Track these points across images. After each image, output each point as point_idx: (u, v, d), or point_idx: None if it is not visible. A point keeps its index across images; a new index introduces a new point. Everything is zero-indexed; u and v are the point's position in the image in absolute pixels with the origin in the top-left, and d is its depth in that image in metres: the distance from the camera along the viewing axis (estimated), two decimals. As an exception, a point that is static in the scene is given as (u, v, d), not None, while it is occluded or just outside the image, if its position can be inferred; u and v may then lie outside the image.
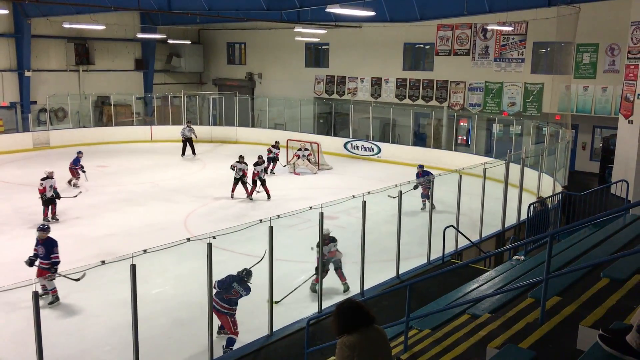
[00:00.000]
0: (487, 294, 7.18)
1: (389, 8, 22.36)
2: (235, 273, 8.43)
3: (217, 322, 8.15)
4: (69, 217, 14.76)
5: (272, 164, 20.99)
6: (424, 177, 15.70)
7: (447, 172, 14.48)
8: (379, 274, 10.51)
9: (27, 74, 25.95)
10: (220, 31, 32.09)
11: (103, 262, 5.97)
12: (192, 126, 24.76)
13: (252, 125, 28.88)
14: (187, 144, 24.24)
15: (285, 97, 28.52)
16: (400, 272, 10.53)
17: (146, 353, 6.69)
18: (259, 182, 17.42)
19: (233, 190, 17.30)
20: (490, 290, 7.51)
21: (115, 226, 14.16)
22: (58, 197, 14.80)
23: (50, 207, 14.59)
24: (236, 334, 8.11)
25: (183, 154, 24.24)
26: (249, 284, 8.34)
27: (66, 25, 22.56)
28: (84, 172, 18.32)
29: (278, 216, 8.33)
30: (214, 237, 7.10)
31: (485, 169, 12.29)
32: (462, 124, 25.36)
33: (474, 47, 23.55)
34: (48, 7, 22.59)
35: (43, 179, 14.64)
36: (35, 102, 26.84)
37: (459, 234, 11.83)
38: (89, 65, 28.77)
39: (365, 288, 9.71)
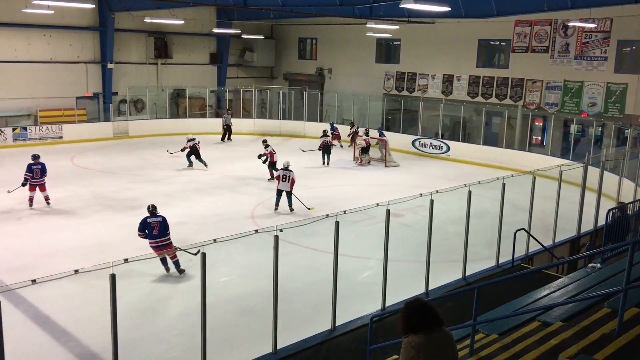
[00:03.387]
0: (560, 301, 6.90)
1: (464, 3, 21.83)
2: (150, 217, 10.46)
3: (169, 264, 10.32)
4: (143, 204, 15.32)
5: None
6: None
7: (519, 173, 14.02)
8: (444, 274, 10.33)
9: (109, 66, 27.22)
10: (292, 26, 32.43)
11: (177, 249, 6.16)
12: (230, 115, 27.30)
13: (321, 120, 29.01)
14: (228, 130, 26.66)
15: (354, 93, 28.48)
16: (466, 274, 10.30)
17: (212, 339, 6.87)
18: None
19: (271, 175, 17.81)
20: (562, 298, 7.21)
21: (186, 215, 14.62)
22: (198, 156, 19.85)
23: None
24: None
25: (223, 139, 26.52)
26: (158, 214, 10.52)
27: (147, 20, 23.46)
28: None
29: (344, 212, 8.34)
30: (280, 230, 7.19)
31: (561, 171, 11.80)
32: (537, 123, 24.45)
33: (553, 44, 22.62)
34: (131, 1, 23.58)
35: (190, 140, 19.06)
36: (116, 93, 28.13)
37: (530, 237, 11.43)
38: (167, 59, 29.85)
39: (429, 288, 9.57)
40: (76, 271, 5.83)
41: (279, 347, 7.57)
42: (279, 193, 15.26)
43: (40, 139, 23.97)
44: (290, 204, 15.24)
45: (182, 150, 20.41)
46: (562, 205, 12.18)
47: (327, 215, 8.14)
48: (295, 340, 7.88)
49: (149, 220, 10.50)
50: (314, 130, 28.13)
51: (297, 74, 33.02)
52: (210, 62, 31.77)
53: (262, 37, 31.82)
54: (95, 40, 27.07)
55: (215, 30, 28.36)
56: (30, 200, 14.75)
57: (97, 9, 26.25)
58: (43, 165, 14.79)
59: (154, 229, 10.42)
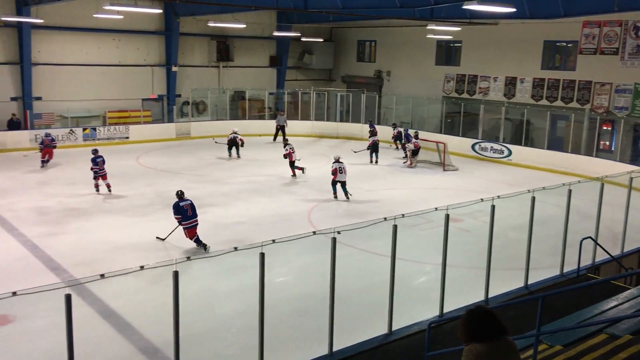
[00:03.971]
0: (629, 314, 6.59)
1: (529, 4, 21.22)
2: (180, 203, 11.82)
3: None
4: (204, 204, 15.74)
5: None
6: None
7: (586, 179, 13.50)
8: (505, 282, 10.06)
9: (174, 69, 28.07)
10: (351, 29, 32.45)
11: (235, 249, 6.28)
12: (283, 115, 27.66)
13: (378, 123, 28.86)
14: (280, 131, 26.90)
15: (412, 96, 28.19)
16: (528, 282, 9.99)
17: (269, 338, 6.95)
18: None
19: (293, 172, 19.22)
20: (631, 310, 6.89)
21: (243, 215, 14.87)
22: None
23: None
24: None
25: (274, 139, 26.75)
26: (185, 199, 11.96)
27: (211, 24, 24.06)
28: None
29: (402, 215, 8.26)
30: (338, 232, 7.20)
31: (631, 177, 11.27)
32: (605, 128, 23.44)
33: (623, 45, 21.63)
34: (196, 6, 24.23)
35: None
36: (179, 95, 28.97)
37: (597, 246, 10.97)
38: (228, 62, 30.48)
39: (489, 296, 9.34)
40: (142, 267, 6.04)
41: (334, 349, 7.57)
42: (335, 184, 16.63)
43: (108, 139, 24.98)
44: (346, 193, 16.57)
45: (227, 142, 22.55)
46: (631, 214, 11.64)
47: (385, 218, 8.09)
48: (351, 343, 7.86)
49: (181, 204, 11.90)
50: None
51: (356, 76, 33.00)
52: (269, 65, 32.23)
53: (321, 40, 31.98)
54: (161, 44, 27.97)
55: (276, 34, 28.74)
56: (96, 186, 16.60)
57: (163, 14, 27.13)
58: (102, 157, 16.69)
59: (188, 210, 11.85)
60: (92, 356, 7.50)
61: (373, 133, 23.24)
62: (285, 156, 19.30)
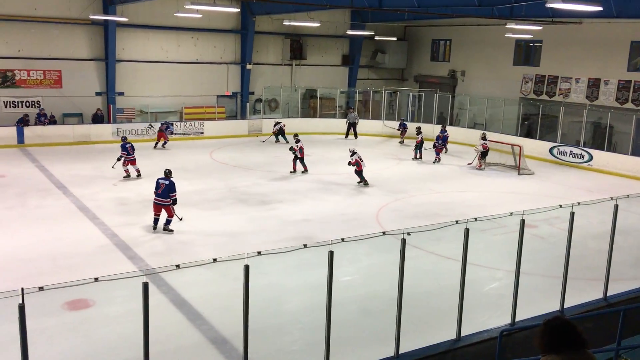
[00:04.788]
0: None
1: (616, 3, 20.07)
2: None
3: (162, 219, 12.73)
4: (272, 200, 15.99)
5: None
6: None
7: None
8: (582, 293, 9.62)
9: (248, 67, 28.67)
10: (425, 28, 31.96)
11: (305, 246, 6.33)
12: (356, 114, 28.37)
13: (450, 124, 28.29)
14: (352, 128, 27.58)
15: (488, 96, 27.42)
16: (607, 294, 9.49)
17: (334, 336, 6.96)
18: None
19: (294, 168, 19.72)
20: None
21: (311, 213, 14.96)
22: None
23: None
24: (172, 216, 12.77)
25: (346, 136, 27.55)
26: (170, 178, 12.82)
27: (286, 23, 24.39)
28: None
29: (475, 219, 8.05)
30: (408, 234, 7.10)
31: None
32: (697, 134, 21.93)
33: None
34: (271, 5, 24.63)
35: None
36: (252, 93, 29.57)
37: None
38: (301, 60, 30.80)
39: (565, 306, 8.94)
40: (214, 260, 6.19)
41: (401, 351, 7.48)
42: (361, 173, 18.06)
43: (184, 134, 25.86)
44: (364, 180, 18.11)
45: (273, 133, 25.41)
46: None
47: (457, 221, 7.91)
48: (418, 347, 7.75)
49: (159, 180, 12.91)
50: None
51: (429, 76, 32.48)
52: (342, 64, 32.29)
53: (395, 39, 31.70)
54: (237, 42, 28.62)
55: (349, 32, 28.74)
56: (127, 172, 17.93)
57: (240, 13, 27.76)
58: (131, 144, 18.13)
59: (160, 189, 12.74)
60: (164, 343, 7.76)
61: (419, 130, 23.58)
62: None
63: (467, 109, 28.54)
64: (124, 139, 18.37)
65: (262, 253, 5.91)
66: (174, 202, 12.85)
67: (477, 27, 27.88)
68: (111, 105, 25.56)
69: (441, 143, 23.04)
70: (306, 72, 31.07)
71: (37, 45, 23.88)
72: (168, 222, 12.84)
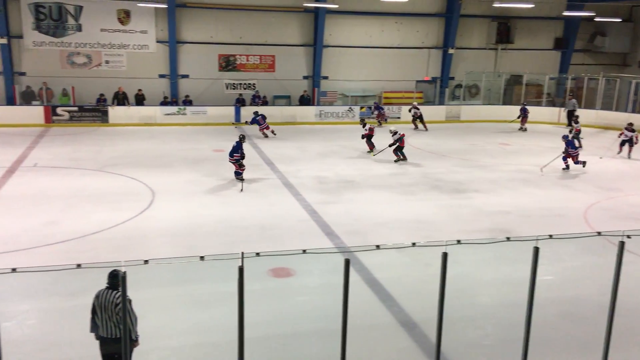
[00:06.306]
0: None
1: None
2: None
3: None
4: (468, 189, 15.53)
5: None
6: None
7: None
8: None
9: (450, 51, 28.09)
10: (658, 6, 28.14)
11: (508, 239, 6.03)
12: (574, 100, 26.20)
13: (683, 116, 24.64)
14: (571, 116, 25.09)
15: None
16: None
17: (531, 337, 6.54)
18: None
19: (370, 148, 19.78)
20: None
21: (510, 204, 14.21)
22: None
23: None
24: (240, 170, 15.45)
25: (569, 124, 24.95)
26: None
27: (496, 5, 23.31)
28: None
29: None
30: (628, 237, 6.34)
31: None
32: None
33: None
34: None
35: None
36: (452, 78, 28.93)
37: None
38: (507, 44, 29.27)
39: None
40: (413, 244, 6.21)
41: (609, 365, 6.77)
42: (402, 149, 18.59)
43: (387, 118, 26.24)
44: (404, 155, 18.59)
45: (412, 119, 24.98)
46: None
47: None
48: (628, 362, 6.96)
49: (235, 143, 15.67)
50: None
51: (658, 61, 28.62)
52: (553, 47, 29.96)
53: (619, 20, 28.43)
54: (440, 26, 28.17)
55: (565, 14, 26.47)
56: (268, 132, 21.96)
57: (445, -4, 27.26)
58: (262, 115, 22.09)
59: (232, 148, 15.56)
60: (355, 319, 8.00)
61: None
62: (363, 136, 19.88)
63: None
64: (255, 112, 22.29)
65: (461, 242, 5.75)
66: (236, 160, 15.39)
67: None
68: (316, 89, 27.03)
69: None
70: (512, 56, 29.48)
71: (256, 32, 26.15)
72: (236, 173, 15.54)
